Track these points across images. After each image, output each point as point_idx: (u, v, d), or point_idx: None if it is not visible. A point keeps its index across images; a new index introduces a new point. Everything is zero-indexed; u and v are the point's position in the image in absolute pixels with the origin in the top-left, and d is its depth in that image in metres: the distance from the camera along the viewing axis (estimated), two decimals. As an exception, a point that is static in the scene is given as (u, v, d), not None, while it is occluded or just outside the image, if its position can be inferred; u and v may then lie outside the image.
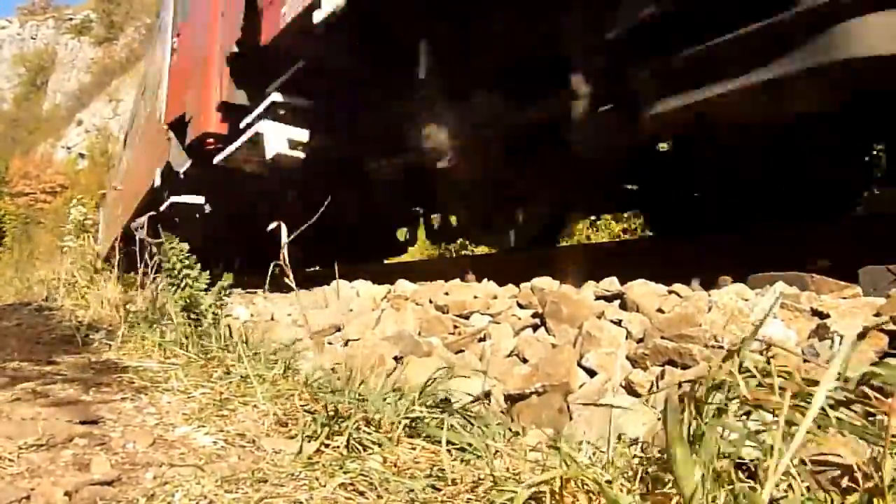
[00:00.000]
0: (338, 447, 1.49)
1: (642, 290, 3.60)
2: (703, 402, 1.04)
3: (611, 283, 3.95)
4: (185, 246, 3.03)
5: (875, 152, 3.89)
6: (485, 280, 5.62)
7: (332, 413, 1.58)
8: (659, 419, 1.70)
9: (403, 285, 5.84)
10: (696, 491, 0.89)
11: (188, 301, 2.80)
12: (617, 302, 3.65)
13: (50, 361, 2.53)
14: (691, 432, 0.99)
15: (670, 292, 3.62)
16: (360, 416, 1.55)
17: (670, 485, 0.98)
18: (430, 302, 4.66)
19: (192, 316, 2.81)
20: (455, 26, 3.88)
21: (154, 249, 3.37)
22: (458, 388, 1.96)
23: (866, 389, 0.99)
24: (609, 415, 2.05)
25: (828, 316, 2.64)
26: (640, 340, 3.04)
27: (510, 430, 1.71)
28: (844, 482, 0.91)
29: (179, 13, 9.60)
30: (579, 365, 2.89)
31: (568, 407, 2.53)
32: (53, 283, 6.16)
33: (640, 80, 2.73)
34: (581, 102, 3.19)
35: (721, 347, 2.51)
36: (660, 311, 3.31)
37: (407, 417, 1.58)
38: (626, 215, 9.67)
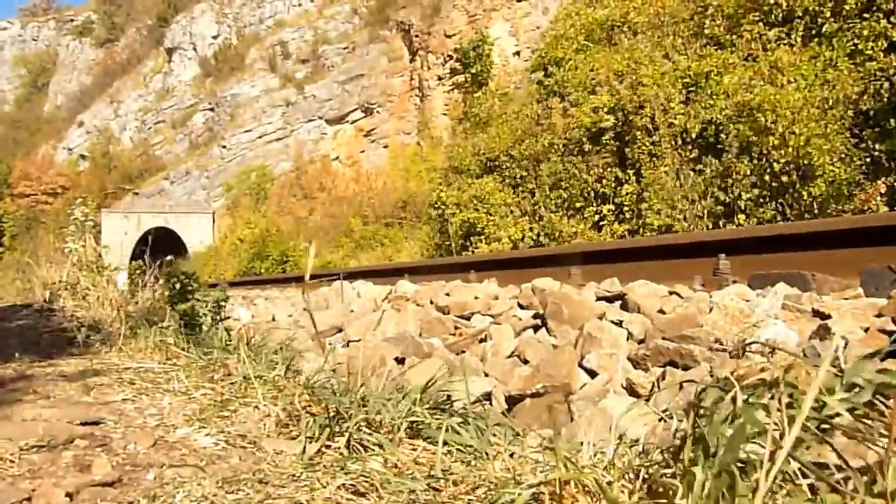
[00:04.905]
0: (339, 448, 1.48)
1: (643, 290, 3.59)
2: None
3: (612, 284, 3.95)
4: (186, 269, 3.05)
5: None
6: (486, 280, 5.62)
7: (333, 414, 1.57)
8: (660, 420, 1.70)
9: (404, 286, 5.84)
10: (699, 491, 0.88)
11: (187, 312, 2.81)
12: (618, 303, 3.64)
13: (51, 362, 2.53)
14: (695, 434, 0.99)
15: (671, 293, 3.62)
16: (360, 418, 1.54)
17: (676, 491, 0.98)
18: (431, 303, 4.66)
19: (192, 320, 2.81)
20: None
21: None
22: (459, 389, 1.95)
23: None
24: (610, 415, 2.04)
25: (829, 317, 2.64)
26: (641, 341, 3.03)
27: (511, 430, 1.71)
28: (849, 485, 0.91)
29: None
30: (580, 366, 2.88)
31: (569, 407, 2.53)
32: (55, 284, 6.16)
33: None
34: None
35: (723, 349, 2.51)
36: (661, 311, 3.31)
37: (408, 419, 1.57)
38: (629, 216, 9.68)
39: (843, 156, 7.74)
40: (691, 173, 8.90)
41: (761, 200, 8.32)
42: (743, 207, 8.30)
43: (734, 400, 0.95)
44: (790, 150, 7.74)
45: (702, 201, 8.60)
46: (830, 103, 7.88)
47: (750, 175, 8.23)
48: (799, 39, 8.81)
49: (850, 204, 7.49)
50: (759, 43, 9.26)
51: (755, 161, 8.25)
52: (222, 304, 3.03)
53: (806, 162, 7.73)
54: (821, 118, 7.80)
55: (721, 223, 8.44)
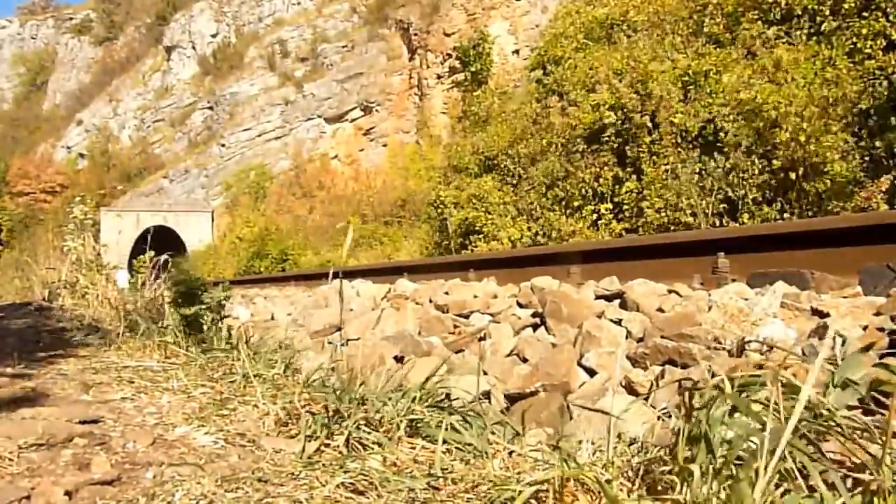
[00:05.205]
0: (338, 447, 1.48)
1: (642, 289, 3.60)
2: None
3: (611, 283, 3.96)
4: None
5: None
6: (485, 279, 5.63)
7: (332, 413, 1.57)
8: (659, 418, 1.70)
9: (403, 284, 5.84)
10: (699, 489, 0.88)
11: (190, 316, 2.80)
12: (617, 301, 3.65)
13: (50, 361, 2.53)
14: (693, 432, 0.99)
15: (670, 291, 3.62)
16: (360, 416, 1.54)
17: (675, 487, 0.98)
18: (430, 301, 4.66)
19: (190, 318, 2.81)
20: None
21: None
22: (458, 388, 1.96)
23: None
24: (609, 414, 2.04)
25: (828, 315, 2.64)
26: (640, 340, 3.03)
27: (511, 429, 1.71)
28: (847, 482, 0.91)
29: None
30: (579, 364, 2.88)
31: (568, 406, 2.53)
32: (54, 283, 6.15)
33: None
34: None
35: (721, 347, 2.51)
36: (660, 310, 3.31)
37: (407, 417, 1.58)
38: (627, 214, 9.70)
39: (844, 153, 7.75)
40: (695, 170, 8.91)
41: (760, 199, 8.33)
42: (749, 205, 8.30)
43: (730, 397, 0.95)
44: (798, 147, 7.75)
45: (707, 198, 8.60)
46: (831, 101, 7.89)
47: (759, 174, 8.23)
48: (804, 37, 8.80)
49: (852, 201, 7.49)
50: (759, 41, 9.26)
51: (760, 159, 8.26)
52: (224, 302, 3.02)
53: (813, 159, 7.73)
54: (822, 116, 7.81)
55: (724, 221, 8.45)
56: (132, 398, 1.97)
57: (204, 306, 2.82)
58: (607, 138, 10.19)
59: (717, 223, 8.38)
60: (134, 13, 59.27)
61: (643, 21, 11.95)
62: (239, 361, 2.20)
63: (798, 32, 8.87)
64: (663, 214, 8.87)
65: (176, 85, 47.42)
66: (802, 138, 7.66)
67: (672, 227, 8.66)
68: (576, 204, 10.56)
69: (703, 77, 9.33)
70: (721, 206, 8.57)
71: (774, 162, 8.03)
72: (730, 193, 8.49)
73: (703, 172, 8.79)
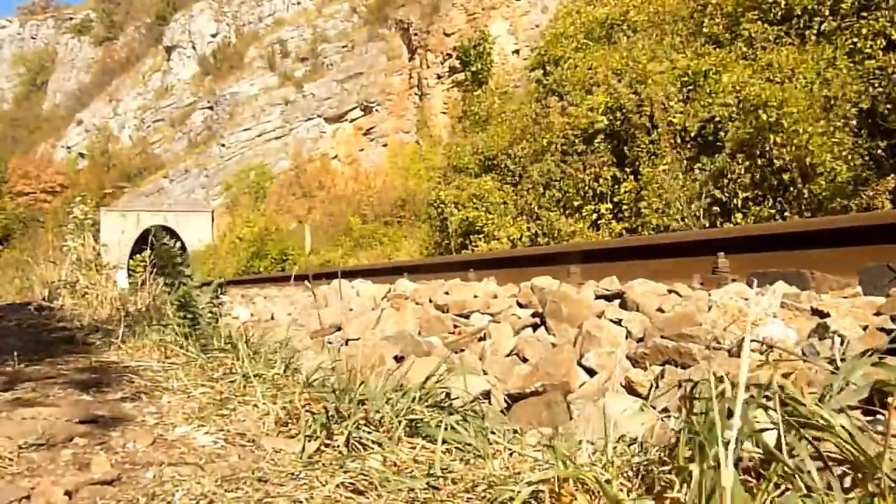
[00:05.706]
0: (338, 446, 1.49)
1: (642, 289, 3.60)
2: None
3: (611, 283, 3.96)
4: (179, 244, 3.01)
5: None
6: (485, 279, 5.63)
7: (332, 413, 1.58)
8: (659, 419, 1.70)
9: (403, 284, 5.84)
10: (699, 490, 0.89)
11: (183, 299, 2.79)
12: (617, 301, 3.65)
13: (50, 361, 2.53)
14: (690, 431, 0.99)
15: (670, 291, 3.62)
16: (359, 416, 1.55)
17: (674, 487, 0.98)
18: (430, 301, 4.66)
19: (189, 315, 2.80)
20: None
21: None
22: (458, 387, 1.95)
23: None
24: (609, 414, 2.04)
25: (828, 315, 2.64)
26: (640, 340, 3.04)
27: (511, 429, 1.71)
28: (846, 482, 0.91)
29: None
30: (579, 364, 2.88)
31: (568, 406, 2.53)
32: (54, 282, 6.15)
33: None
34: None
35: (721, 347, 2.51)
36: (660, 310, 3.31)
37: (407, 417, 1.58)
38: (627, 214, 9.70)
39: (845, 154, 7.73)
40: (681, 174, 8.91)
41: (759, 199, 8.33)
42: (739, 206, 8.30)
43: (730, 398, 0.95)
44: (793, 148, 7.74)
45: (697, 201, 8.60)
46: (832, 102, 7.88)
47: (745, 174, 8.23)
48: (813, 37, 8.78)
49: (857, 199, 7.46)
50: (759, 41, 9.26)
51: (759, 159, 8.25)
52: (220, 292, 3.00)
53: (808, 161, 7.72)
54: (822, 117, 7.80)
55: (718, 222, 8.45)
56: (132, 398, 1.97)
57: (190, 280, 2.81)
58: (601, 141, 10.20)
59: (707, 226, 8.38)
60: (134, 13, 59.20)
61: (643, 21, 11.95)
62: (239, 361, 2.20)
63: (808, 32, 8.86)
64: (660, 215, 8.87)
65: (176, 85, 47.39)
66: (796, 140, 7.66)
67: (670, 228, 8.66)
68: (576, 204, 10.56)
69: (703, 77, 9.34)
70: (714, 208, 8.57)
71: (776, 162, 8.02)
72: (719, 196, 8.49)
73: (701, 171, 8.79)
